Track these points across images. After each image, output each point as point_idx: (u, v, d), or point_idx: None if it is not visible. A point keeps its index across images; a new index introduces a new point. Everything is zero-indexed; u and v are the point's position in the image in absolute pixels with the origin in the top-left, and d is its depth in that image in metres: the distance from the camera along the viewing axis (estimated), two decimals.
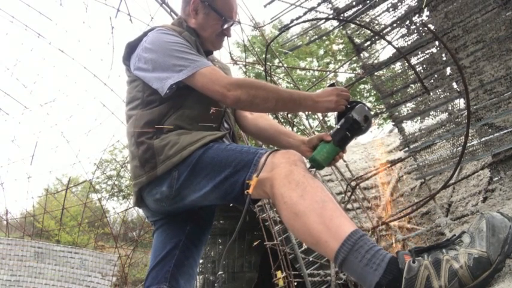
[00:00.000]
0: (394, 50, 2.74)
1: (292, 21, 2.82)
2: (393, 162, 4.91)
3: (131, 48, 1.40)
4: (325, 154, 1.32)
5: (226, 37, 1.51)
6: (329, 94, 1.29)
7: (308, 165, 1.27)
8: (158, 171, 1.24)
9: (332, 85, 1.34)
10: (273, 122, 1.62)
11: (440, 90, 2.74)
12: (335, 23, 3.26)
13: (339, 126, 1.32)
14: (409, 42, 2.79)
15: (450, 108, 2.79)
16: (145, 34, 1.37)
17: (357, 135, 1.34)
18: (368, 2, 2.73)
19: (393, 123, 3.05)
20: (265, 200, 4.42)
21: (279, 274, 4.07)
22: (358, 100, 1.37)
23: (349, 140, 1.34)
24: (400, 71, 2.93)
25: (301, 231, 1.04)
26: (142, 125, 1.31)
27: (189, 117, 1.31)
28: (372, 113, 1.39)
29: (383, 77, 3.07)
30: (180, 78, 1.26)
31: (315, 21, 3.11)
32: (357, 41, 3.02)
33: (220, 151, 1.21)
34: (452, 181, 3.80)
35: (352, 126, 1.29)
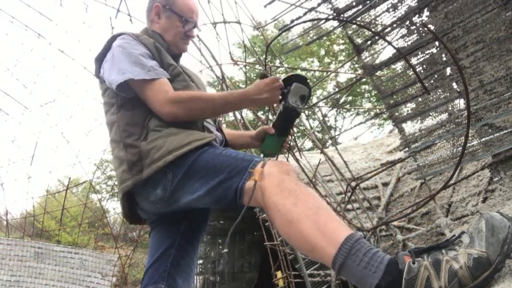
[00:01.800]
0: (394, 51, 2.74)
1: (292, 21, 2.82)
2: (393, 163, 4.91)
3: (100, 61, 1.44)
4: (272, 146, 1.39)
5: (191, 38, 1.59)
6: (261, 91, 1.29)
7: (261, 155, 1.33)
8: (144, 174, 1.24)
9: (263, 76, 1.33)
10: (224, 128, 1.66)
11: (440, 90, 2.74)
12: (335, 23, 3.26)
13: (276, 117, 1.35)
14: (409, 43, 2.78)
15: (450, 108, 2.79)
16: (108, 48, 1.41)
17: (297, 117, 1.37)
18: (368, 2, 2.73)
19: (393, 123, 3.05)
20: None
21: (279, 274, 4.07)
22: (294, 74, 1.34)
23: (290, 126, 1.38)
24: (400, 71, 2.93)
25: (296, 239, 1.04)
26: (124, 125, 1.33)
27: None
28: (309, 82, 1.33)
29: (383, 77, 3.07)
30: (120, 80, 1.29)
31: (315, 22, 3.11)
32: (357, 41, 3.02)
33: (215, 155, 1.22)
34: (452, 181, 3.80)
35: (290, 114, 1.31)
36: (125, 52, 1.33)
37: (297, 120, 1.42)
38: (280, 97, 1.31)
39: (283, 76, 1.33)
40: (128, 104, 1.35)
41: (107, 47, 1.41)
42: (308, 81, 1.33)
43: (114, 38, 1.42)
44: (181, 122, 1.32)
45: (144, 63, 1.32)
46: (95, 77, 1.49)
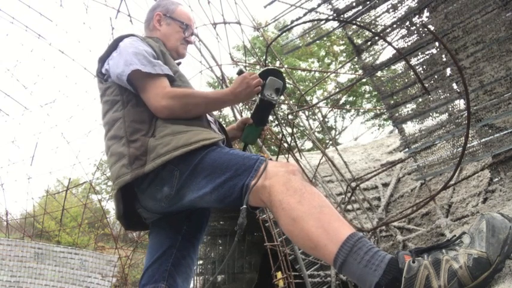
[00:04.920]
0: (394, 51, 2.74)
1: (292, 22, 2.82)
2: (393, 163, 4.91)
3: (103, 60, 1.46)
4: (251, 136, 1.55)
5: (190, 44, 1.69)
6: (241, 85, 1.39)
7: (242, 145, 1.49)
8: (146, 168, 1.24)
9: (240, 72, 1.44)
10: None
11: (440, 91, 2.74)
12: (335, 24, 3.26)
13: (254, 109, 1.49)
14: (409, 43, 2.78)
15: (450, 109, 2.79)
16: (114, 47, 1.44)
17: (272, 108, 1.49)
18: (368, 3, 2.73)
19: (393, 124, 3.05)
20: None
21: (279, 275, 4.07)
22: (269, 68, 1.45)
23: (267, 117, 1.53)
24: (400, 71, 2.93)
25: (299, 236, 1.05)
26: (131, 121, 1.33)
27: None
28: (283, 76, 1.47)
29: (383, 78, 3.07)
30: (128, 71, 1.31)
31: (315, 22, 3.12)
32: (357, 41, 3.03)
33: (222, 154, 1.23)
34: (452, 182, 3.80)
35: (265, 106, 1.44)
36: (133, 47, 1.37)
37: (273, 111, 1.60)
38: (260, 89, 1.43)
39: (259, 70, 1.45)
40: (134, 100, 1.37)
41: (113, 47, 1.43)
42: (283, 74, 1.46)
43: (121, 38, 1.44)
44: (188, 120, 1.34)
45: (151, 59, 1.37)
46: (95, 78, 1.51)
